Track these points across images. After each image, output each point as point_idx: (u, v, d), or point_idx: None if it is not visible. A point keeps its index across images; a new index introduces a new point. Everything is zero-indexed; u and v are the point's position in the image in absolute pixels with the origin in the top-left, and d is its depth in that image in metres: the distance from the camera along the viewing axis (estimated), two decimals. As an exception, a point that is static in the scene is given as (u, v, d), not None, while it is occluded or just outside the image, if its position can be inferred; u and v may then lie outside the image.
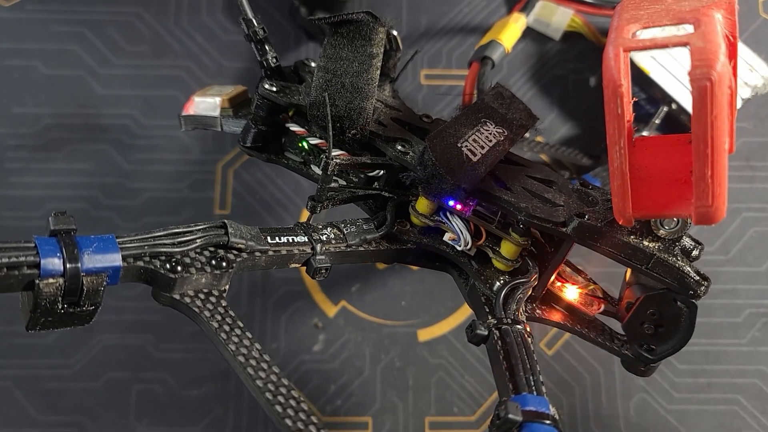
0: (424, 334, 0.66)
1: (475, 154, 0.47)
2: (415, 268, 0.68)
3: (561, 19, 0.72)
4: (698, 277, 0.46)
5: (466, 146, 0.47)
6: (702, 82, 0.35)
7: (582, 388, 0.65)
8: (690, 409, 0.65)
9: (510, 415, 0.37)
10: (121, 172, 0.69)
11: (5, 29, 0.73)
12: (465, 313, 0.67)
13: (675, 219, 0.45)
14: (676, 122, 0.68)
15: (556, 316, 0.51)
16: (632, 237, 0.46)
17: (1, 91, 0.71)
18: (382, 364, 0.65)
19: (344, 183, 0.52)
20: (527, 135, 0.53)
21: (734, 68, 0.43)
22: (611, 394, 0.65)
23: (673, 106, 0.67)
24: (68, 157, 0.69)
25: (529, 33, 0.73)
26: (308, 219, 0.48)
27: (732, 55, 0.43)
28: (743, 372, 0.66)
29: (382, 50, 0.50)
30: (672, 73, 0.67)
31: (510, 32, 0.65)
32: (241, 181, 0.70)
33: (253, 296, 0.67)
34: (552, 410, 0.39)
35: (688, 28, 0.37)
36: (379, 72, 0.50)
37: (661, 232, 0.45)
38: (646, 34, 0.38)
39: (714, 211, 0.38)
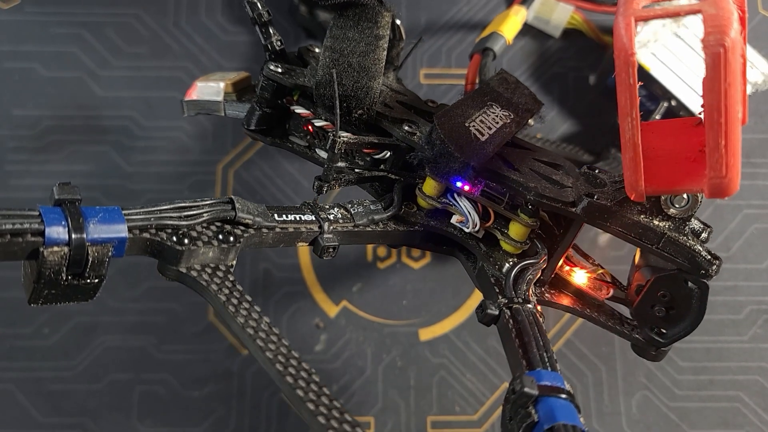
0: (426, 334, 0.66)
1: (482, 134, 0.47)
2: (416, 266, 0.67)
3: (561, 16, 0.72)
4: (709, 256, 0.45)
5: (474, 126, 0.47)
6: (715, 49, 0.35)
7: (584, 386, 0.65)
8: (692, 406, 0.64)
9: (526, 389, 0.36)
10: (121, 173, 0.69)
11: (4, 31, 0.72)
12: (466, 312, 0.67)
13: (686, 196, 0.45)
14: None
15: (565, 301, 0.50)
16: (642, 216, 0.45)
17: (0, 93, 0.70)
18: (383, 363, 0.65)
19: (350, 166, 0.52)
20: (532, 122, 0.53)
21: (744, 40, 0.43)
22: (613, 391, 0.65)
23: (673, 102, 0.67)
24: (68, 159, 0.69)
25: (528, 30, 0.74)
26: (315, 199, 0.47)
27: (742, 27, 0.43)
28: (745, 369, 0.66)
29: (388, 33, 0.50)
30: (672, 70, 0.67)
31: (511, 24, 0.65)
32: (241, 181, 0.69)
33: (254, 296, 0.66)
34: (567, 386, 0.38)
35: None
36: (385, 53, 0.50)
37: (672, 210, 0.45)
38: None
39: (728, 182, 0.37)
